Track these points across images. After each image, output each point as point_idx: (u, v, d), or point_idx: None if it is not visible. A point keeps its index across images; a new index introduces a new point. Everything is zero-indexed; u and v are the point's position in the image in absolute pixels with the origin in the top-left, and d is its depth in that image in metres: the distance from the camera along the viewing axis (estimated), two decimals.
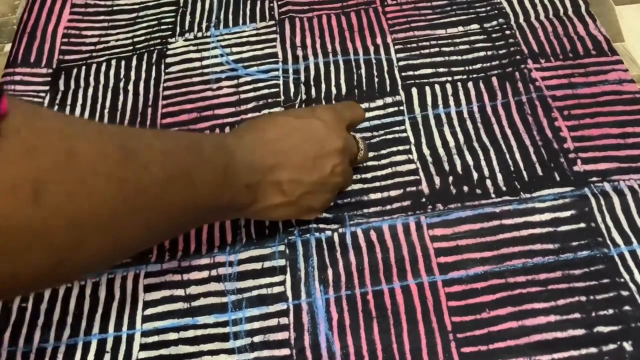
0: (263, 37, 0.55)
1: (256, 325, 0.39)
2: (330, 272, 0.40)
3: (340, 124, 0.40)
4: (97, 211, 0.27)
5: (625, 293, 0.37)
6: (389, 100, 0.49)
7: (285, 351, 0.38)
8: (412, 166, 0.45)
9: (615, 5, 0.54)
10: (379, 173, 0.45)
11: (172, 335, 0.39)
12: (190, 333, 0.39)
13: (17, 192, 0.24)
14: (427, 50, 0.52)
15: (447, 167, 0.45)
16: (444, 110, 0.48)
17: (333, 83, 0.51)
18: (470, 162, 0.45)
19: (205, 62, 0.53)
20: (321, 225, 0.43)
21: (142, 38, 0.56)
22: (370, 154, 0.46)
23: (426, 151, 0.46)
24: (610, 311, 0.37)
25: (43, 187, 0.24)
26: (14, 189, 0.24)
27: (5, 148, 0.24)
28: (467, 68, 0.50)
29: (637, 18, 0.52)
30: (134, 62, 0.54)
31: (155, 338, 0.39)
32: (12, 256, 0.24)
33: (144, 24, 0.57)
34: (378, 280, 0.40)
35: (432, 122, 0.47)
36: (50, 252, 0.26)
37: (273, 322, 0.39)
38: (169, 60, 0.54)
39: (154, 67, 0.54)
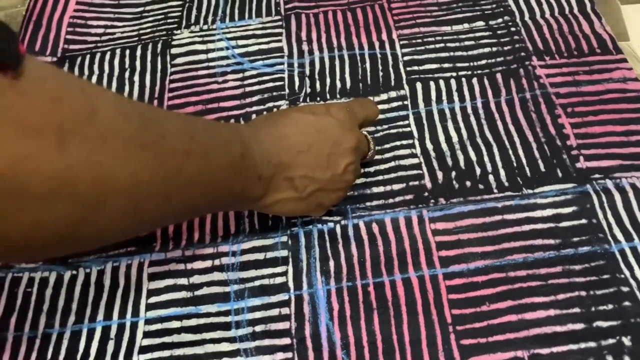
0: (269, 31, 0.55)
1: (258, 314, 0.39)
2: (332, 263, 0.41)
3: (354, 122, 0.41)
4: (117, 172, 0.27)
5: (625, 289, 0.38)
6: (393, 94, 0.49)
7: (286, 340, 0.38)
8: (415, 160, 0.45)
9: (621, 5, 0.54)
10: (382, 167, 0.45)
11: (175, 324, 0.39)
12: (193, 321, 0.39)
13: (42, 137, 0.24)
14: (432, 46, 0.52)
15: (450, 162, 0.45)
16: (448, 105, 0.48)
17: (338, 77, 0.51)
18: (473, 157, 0.45)
19: (211, 55, 0.54)
20: (324, 217, 0.43)
21: (148, 30, 0.57)
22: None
23: (429, 146, 0.46)
24: (610, 306, 0.37)
25: (67, 137, 0.25)
26: (39, 134, 0.24)
27: (32, 93, 0.24)
28: (471, 64, 0.50)
29: None
30: (139, 52, 0.55)
31: (158, 326, 0.39)
32: (38, 203, 0.24)
33: (150, 18, 0.58)
34: (379, 272, 0.40)
35: (436, 117, 0.48)
36: (74, 205, 0.26)
37: (274, 312, 0.39)
38: (174, 51, 0.54)
39: (159, 58, 0.54)
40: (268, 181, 0.37)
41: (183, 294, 0.40)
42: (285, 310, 0.39)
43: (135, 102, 0.32)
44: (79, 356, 0.38)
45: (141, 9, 0.59)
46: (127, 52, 0.55)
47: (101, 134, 0.27)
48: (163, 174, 0.30)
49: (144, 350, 0.38)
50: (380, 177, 0.45)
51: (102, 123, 0.27)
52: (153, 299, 0.40)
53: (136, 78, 0.53)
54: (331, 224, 0.43)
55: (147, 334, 0.39)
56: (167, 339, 0.39)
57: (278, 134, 0.38)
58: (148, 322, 0.39)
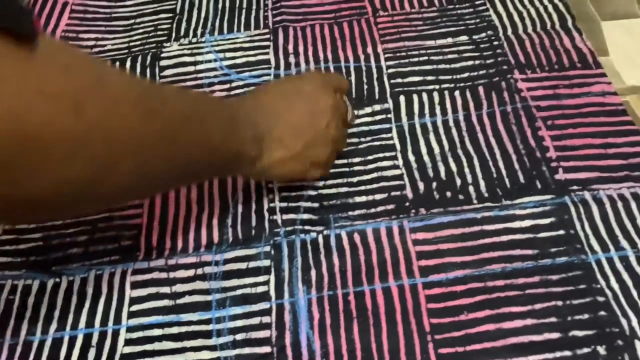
0: (257, 44, 0.56)
1: (239, 323, 0.39)
2: (313, 272, 0.41)
3: (327, 86, 0.44)
4: (128, 134, 0.30)
5: (601, 299, 0.38)
6: (377, 108, 0.50)
7: (267, 349, 0.38)
8: (397, 172, 0.46)
9: (602, 21, 0.55)
10: (365, 177, 0.46)
11: (157, 332, 0.39)
12: (174, 330, 0.39)
13: (59, 101, 0.26)
14: (416, 59, 0.53)
15: (431, 173, 0.45)
16: (431, 119, 0.49)
17: None
18: (454, 168, 0.46)
19: (199, 67, 0.55)
20: (306, 227, 0.43)
21: (138, 42, 0.57)
22: (357, 159, 0.47)
23: (411, 157, 0.47)
24: (586, 316, 0.37)
25: (82, 103, 0.27)
26: (56, 99, 0.26)
27: (47, 63, 0.26)
28: (454, 77, 0.51)
29: (621, 34, 0.54)
30: (129, 64, 0.55)
31: (140, 334, 0.39)
32: (60, 163, 0.26)
33: (140, 30, 0.59)
34: (360, 282, 0.40)
35: (419, 130, 0.48)
36: (90, 165, 0.28)
37: (255, 320, 0.39)
38: (163, 63, 0.55)
39: (148, 70, 0.55)
40: (260, 141, 0.40)
41: (165, 302, 0.41)
42: (266, 319, 0.39)
43: (132, 75, 0.37)
44: None
45: (132, 21, 0.60)
46: (117, 64, 0.55)
47: (111, 99, 0.29)
48: (166, 135, 0.33)
49: (125, 357, 0.38)
50: (362, 187, 0.45)
51: (110, 90, 0.29)
52: (135, 307, 0.41)
53: None
54: (314, 234, 0.43)
55: (128, 342, 0.39)
56: (148, 347, 0.39)
57: (261, 101, 0.42)
58: (130, 329, 0.40)
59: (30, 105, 0.24)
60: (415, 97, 0.50)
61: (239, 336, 0.39)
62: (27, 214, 0.31)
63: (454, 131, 0.48)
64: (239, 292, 0.41)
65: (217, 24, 0.58)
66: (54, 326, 0.40)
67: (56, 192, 0.27)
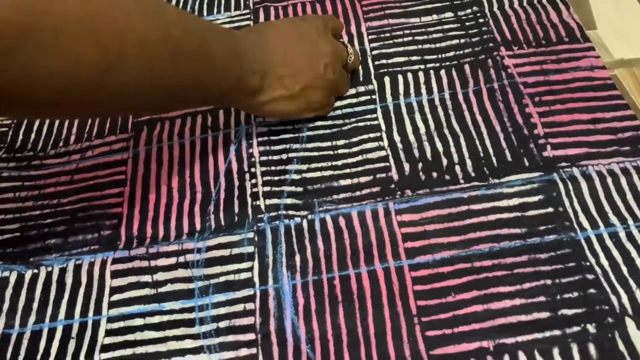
0: (236, 25, 0.55)
1: (222, 310, 0.39)
2: (298, 258, 0.40)
3: (327, 29, 0.46)
4: (131, 28, 0.32)
5: (590, 276, 0.37)
6: (361, 89, 0.49)
7: (251, 336, 0.37)
8: (382, 153, 0.45)
9: None
10: (349, 160, 0.45)
11: (138, 321, 0.39)
12: (156, 319, 0.39)
13: None
14: (400, 40, 0.52)
15: (416, 154, 0.44)
16: (416, 98, 0.48)
17: None
18: (440, 148, 0.45)
19: None
20: (290, 212, 0.42)
21: None
22: (341, 142, 0.46)
23: (397, 138, 0.46)
24: (575, 294, 0.37)
25: None
26: None
27: None
28: (439, 56, 0.50)
29: (609, 6, 0.52)
30: None
31: (121, 324, 0.39)
32: (72, 43, 0.29)
33: None
34: (345, 266, 0.40)
35: (404, 110, 0.47)
36: (100, 51, 0.30)
37: (239, 307, 0.39)
38: None
39: None
40: (262, 76, 0.41)
41: (146, 291, 0.40)
42: (250, 306, 0.39)
43: None
44: (39, 356, 0.38)
45: None
46: None
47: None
48: (167, 39, 0.34)
49: (105, 349, 0.38)
50: (347, 170, 0.44)
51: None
52: (116, 297, 0.40)
53: None
54: (298, 219, 0.42)
55: (109, 332, 0.38)
56: (129, 337, 0.38)
57: (264, 38, 0.43)
58: (110, 320, 0.39)
59: None
60: (400, 77, 0.49)
61: (222, 324, 0.38)
62: (46, 103, 0.32)
63: (439, 110, 0.47)
64: (222, 279, 0.40)
65: (196, 6, 0.57)
66: (32, 318, 0.39)
67: (71, 74, 0.30)
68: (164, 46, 0.34)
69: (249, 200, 0.43)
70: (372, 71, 0.50)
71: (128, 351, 0.37)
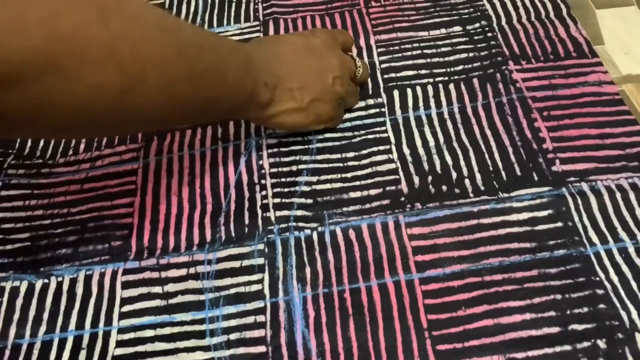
0: (247, 37, 0.55)
1: (233, 322, 0.39)
2: (308, 270, 0.41)
3: (335, 43, 0.47)
4: (151, 47, 0.32)
5: (600, 291, 0.37)
6: (370, 102, 0.49)
7: (262, 348, 0.37)
8: (392, 166, 0.45)
9: (596, 9, 0.54)
10: (359, 172, 0.45)
11: (149, 332, 0.39)
12: (166, 330, 0.39)
13: (88, 11, 0.28)
14: (409, 53, 0.52)
15: (426, 167, 0.45)
16: (425, 111, 0.48)
17: None
18: (450, 162, 0.45)
19: None
20: (300, 224, 0.43)
21: None
22: (351, 154, 0.46)
23: (406, 151, 0.46)
24: (585, 309, 0.37)
25: (107, 14, 0.29)
26: (85, 8, 0.28)
27: None
28: (448, 70, 0.50)
29: (616, 21, 0.53)
30: None
31: (131, 335, 0.39)
32: (93, 67, 0.29)
33: None
34: (355, 278, 0.40)
35: (413, 123, 0.47)
36: (120, 74, 0.30)
37: (250, 319, 0.39)
38: None
39: None
40: (272, 89, 0.42)
41: (157, 303, 0.40)
42: (260, 318, 0.39)
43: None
44: None
45: None
46: None
47: (132, 16, 0.31)
48: (184, 58, 0.35)
49: (116, 359, 0.38)
50: (357, 183, 0.45)
51: (130, 7, 0.31)
52: (126, 308, 0.40)
53: None
54: (308, 231, 0.42)
55: (120, 343, 0.38)
56: (140, 348, 0.38)
57: (274, 51, 0.44)
58: (121, 331, 0.39)
59: (60, 13, 0.27)
60: (409, 90, 0.50)
61: (233, 336, 0.38)
62: (65, 125, 0.33)
63: (449, 123, 0.47)
64: (232, 290, 0.40)
65: (206, 17, 0.57)
66: (43, 328, 0.39)
67: (92, 98, 0.30)
68: (181, 65, 0.35)
69: (259, 211, 0.44)
70: (381, 84, 0.50)
71: None
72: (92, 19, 0.29)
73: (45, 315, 0.40)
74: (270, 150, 0.47)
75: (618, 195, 0.41)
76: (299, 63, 0.44)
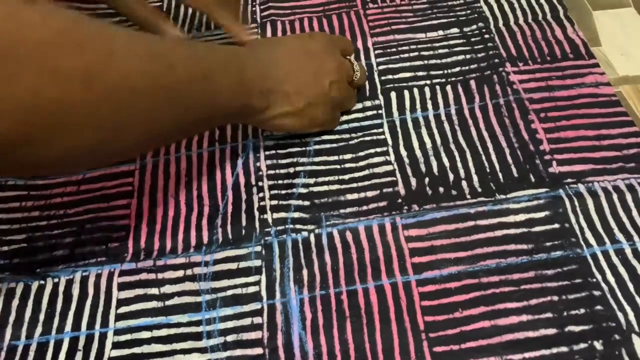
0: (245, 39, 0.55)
1: (230, 324, 0.39)
2: (305, 272, 0.40)
3: (334, 48, 0.47)
4: (135, 105, 0.32)
5: (597, 293, 0.37)
6: (368, 104, 0.49)
7: (258, 350, 0.37)
8: (389, 167, 0.45)
9: (593, 10, 0.54)
10: (356, 174, 0.45)
11: (145, 334, 0.39)
12: (163, 332, 0.39)
13: (71, 81, 0.28)
14: (406, 55, 0.52)
15: (423, 169, 0.45)
16: (422, 113, 0.48)
17: None
18: (447, 163, 0.45)
19: None
20: (297, 226, 0.43)
21: None
22: (348, 156, 0.46)
23: (403, 152, 0.46)
24: (582, 311, 0.37)
25: (93, 77, 0.29)
26: (69, 78, 0.28)
27: (59, 43, 0.28)
28: (445, 71, 0.50)
29: (613, 23, 0.53)
30: None
31: (128, 336, 0.39)
32: (72, 131, 0.30)
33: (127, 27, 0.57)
34: (352, 280, 0.40)
35: (410, 125, 0.48)
36: (99, 133, 0.31)
37: (247, 321, 0.39)
38: None
39: None
40: (268, 95, 0.42)
41: (154, 304, 0.40)
42: (257, 320, 0.39)
43: (142, 34, 0.36)
44: None
45: (117, 19, 0.58)
46: None
47: (120, 74, 0.31)
48: (171, 99, 0.35)
49: None
50: (354, 185, 0.45)
51: (120, 64, 0.31)
52: (123, 309, 0.40)
53: None
54: (305, 233, 0.42)
55: (116, 345, 0.38)
56: (136, 350, 0.38)
57: (271, 55, 0.44)
58: (117, 332, 0.39)
59: (45, 86, 0.27)
60: (406, 92, 0.50)
61: (230, 337, 0.38)
62: (43, 172, 0.36)
63: (446, 125, 0.47)
64: (229, 292, 0.40)
65: (204, 19, 0.57)
66: (39, 330, 0.39)
67: (68, 155, 0.31)
68: (168, 110, 0.35)
69: (257, 213, 0.44)
70: (379, 86, 0.50)
71: None
72: (75, 88, 0.29)
73: (41, 317, 0.40)
74: (267, 152, 0.47)
75: (615, 196, 0.41)
76: (295, 67, 0.44)
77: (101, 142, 0.32)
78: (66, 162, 0.33)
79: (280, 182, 0.45)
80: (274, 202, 0.44)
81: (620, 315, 0.36)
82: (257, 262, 0.41)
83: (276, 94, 0.42)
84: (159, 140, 0.39)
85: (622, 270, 0.38)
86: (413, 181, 0.44)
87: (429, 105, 0.48)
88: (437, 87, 0.49)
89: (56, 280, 0.41)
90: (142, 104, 0.33)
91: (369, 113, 0.49)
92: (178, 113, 0.36)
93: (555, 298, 0.37)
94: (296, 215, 0.43)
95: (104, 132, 0.31)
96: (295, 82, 0.43)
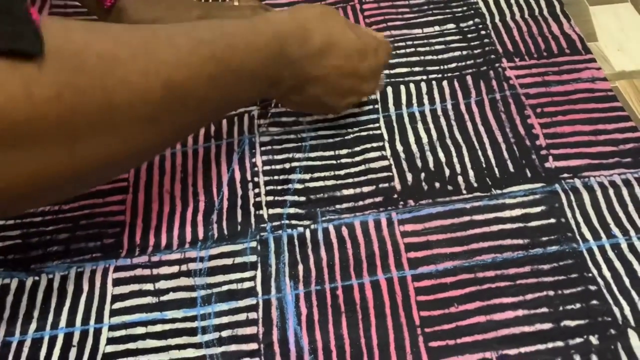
0: None
1: (225, 319, 0.38)
2: (300, 267, 0.40)
3: (380, 70, 0.46)
4: (126, 153, 0.32)
5: (592, 287, 0.37)
6: (364, 98, 0.49)
7: (253, 345, 0.37)
8: (385, 163, 0.45)
9: (590, 6, 0.54)
10: (352, 170, 0.45)
11: (140, 330, 0.38)
12: (158, 327, 0.38)
13: (56, 146, 0.28)
14: (403, 50, 0.52)
15: (419, 164, 0.45)
16: (418, 108, 0.48)
17: None
18: (443, 158, 0.45)
19: None
20: (293, 222, 0.42)
21: None
22: (344, 151, 0.46)
23: (399, 147, 0.46)
24: (578, 305, 0.37)
25: (79, 140, 0.28)
26: (53, 144, 0.28)
27: (50, 109, 0.26)
28: (442, 67, 0.50)
29: (610, 18, 0.53)
30: None
31: (122, 332, 0.38)
32: (52, 192, 0.30)
33: None
34: (348, 276, 0.40)
35: (406, 120, 0.47)
36: (81, 187, 0.33)
37: (242, 316, 0.39)
38: None
39: None
40: (296, 78, 0.41)
41: (148, 300, 0.40)
42: (252, 315, 0.39)
43: (161, 45, 0.33)
44: None
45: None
46: None
47: (113, 124, 0.30)
48: (168, 140, 0.37)
49: (107, 357, 0.37)
50: (350, 180, 0.44)
51: (117, 112, 0.29)
52: (117, 305, 0.39)
53: None
54: (301, 229, 0.42)
55: (110, 341, 0.38)
56: (131, 346, 0.38)
57: (316, 57, 0.41)
58: (112, 328, 0.39)
59: (24, 159, 0.27)
60: (402, 87, 0.49)
61: (225, 333, 0.38)
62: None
63: (442, 120, 0.47)
64: (224, 288, 0.40)
65: None
66: (33, 326, 0.39)
67: (48, 202, 0.36)
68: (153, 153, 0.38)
69: (252, 209, 0.43)
70: None
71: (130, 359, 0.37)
72: (59, 153, 0.28)
73: (36, 313, 0.39)
74: (263, 148, 0.47)
75: (611, 191, 0.41)
76: (332, 83, 0.42)
77: (81, 191, 0.34)
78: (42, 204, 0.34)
79: (276, 177, 0.45)
80: (270, 198, 0.44)
81: (616, 309, 0.36)
82: (253, 258, 0.41)
83: (307, 79, 0.41)
84: (179, 135, 0.40)
85: (618, 264, 0.38)
86: (409, 176, 0.44)
87: (425, 100, 0.48)
88: (434, 82, 0.49)
89: (51, 276, 0.41)
90: (133, 153, 0.33)
91: (365, 108, 0.49)
92: (164, 144, 0.38)
93: (551, 293, 0.37)
94: (292, 210, 0.43)
95: (85, 186, 0.33)
96: (324, 92, 0.43)
